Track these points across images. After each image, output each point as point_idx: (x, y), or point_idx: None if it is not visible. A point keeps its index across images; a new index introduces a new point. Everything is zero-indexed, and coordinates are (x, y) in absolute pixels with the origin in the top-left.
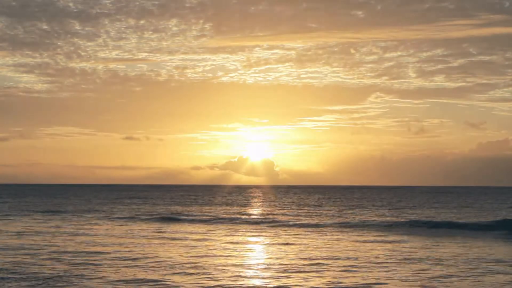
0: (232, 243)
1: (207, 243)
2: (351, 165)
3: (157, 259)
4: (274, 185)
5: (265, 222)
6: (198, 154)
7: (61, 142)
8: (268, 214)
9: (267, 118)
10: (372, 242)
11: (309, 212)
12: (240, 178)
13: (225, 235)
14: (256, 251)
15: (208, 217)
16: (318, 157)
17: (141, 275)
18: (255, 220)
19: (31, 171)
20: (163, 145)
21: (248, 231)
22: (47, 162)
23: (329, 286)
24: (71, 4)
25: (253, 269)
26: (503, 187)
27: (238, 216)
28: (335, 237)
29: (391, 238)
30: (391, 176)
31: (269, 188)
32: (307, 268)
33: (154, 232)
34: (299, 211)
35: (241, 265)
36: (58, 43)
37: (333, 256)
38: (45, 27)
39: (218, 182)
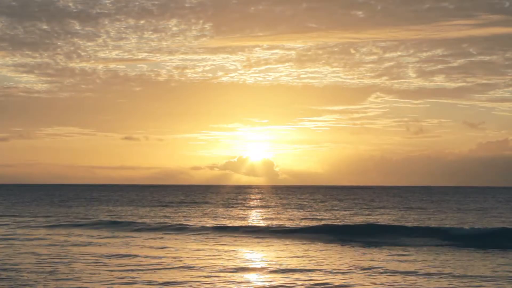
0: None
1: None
2: (351, 165)
3: None
4: (274, 185)
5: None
6: (198, 154)
7: (61, 142)
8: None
9: (267, 118)
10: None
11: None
12: (240, 178)
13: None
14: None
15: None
16: (318, 157)
17: None
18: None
19: (31, 171)
20: (163, 145)
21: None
22: (47, 162)
23: None
24: (71, 4)
25: None
26: (503, 187)
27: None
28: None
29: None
30: (391, 176)
31: (268, 188)
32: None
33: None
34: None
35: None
36: (58, 43)
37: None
38: (45, 27)
39: (218, 182)
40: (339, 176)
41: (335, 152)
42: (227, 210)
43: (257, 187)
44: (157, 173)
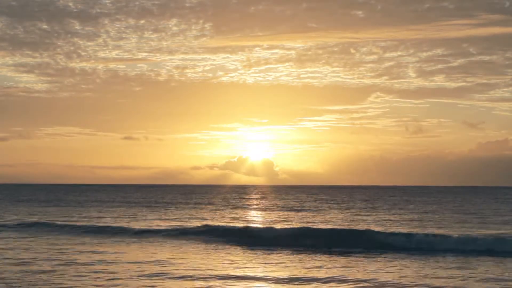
0: None
1: None
2: (351, 165)
3: None
4: (273, 185)
5: None
6: (198, 154)
7: (61, 142)
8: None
9: (267, 118)
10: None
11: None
12: (240, 178)
13: None
14: None
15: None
16: (318, 157)
17: None
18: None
19: (31, 171)
20: (163, 145)
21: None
22: (47, 162)
23: None
24: (71, 4)
25: None
26: (503, 187)
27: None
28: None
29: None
30: (391, 176)
31: (268, 188)
32: None
33: None
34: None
35: None
36: (58, 43)
37: None
38: (45, 27)
39: (218, 182)
40: (339, 176)
41: (335, 152)
42: (177, 210)
43: (255, 186)
44: (157, 173)
